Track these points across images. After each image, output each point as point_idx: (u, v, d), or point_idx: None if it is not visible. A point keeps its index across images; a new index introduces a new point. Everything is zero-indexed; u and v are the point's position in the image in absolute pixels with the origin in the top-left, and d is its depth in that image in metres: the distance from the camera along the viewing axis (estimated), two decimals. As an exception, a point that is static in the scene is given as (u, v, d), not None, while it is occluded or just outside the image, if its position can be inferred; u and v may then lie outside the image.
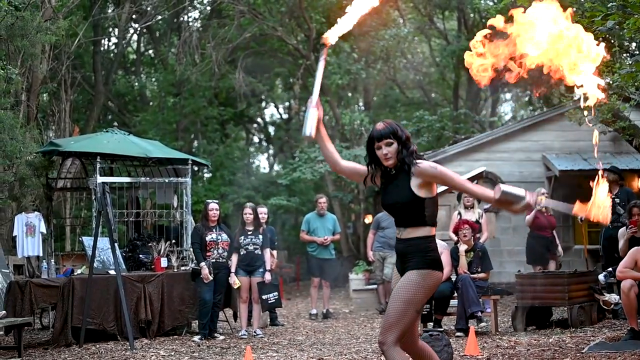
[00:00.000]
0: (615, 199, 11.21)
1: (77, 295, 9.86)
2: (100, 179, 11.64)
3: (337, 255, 14.25)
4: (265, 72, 26.99)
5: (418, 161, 4.82)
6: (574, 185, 15.02)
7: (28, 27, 12.73)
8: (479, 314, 10.07)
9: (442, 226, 11.64)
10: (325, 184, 21.68)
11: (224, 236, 10.64)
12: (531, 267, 12.73)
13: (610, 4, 8.45)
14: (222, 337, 10.50)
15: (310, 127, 4.89)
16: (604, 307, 9.96)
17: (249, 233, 10.71)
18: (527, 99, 29.06)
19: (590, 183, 4.78)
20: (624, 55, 13.58)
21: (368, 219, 21.28)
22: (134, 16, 24.49)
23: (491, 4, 23.03)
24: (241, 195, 23.26)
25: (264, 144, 36.13)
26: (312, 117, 4.88)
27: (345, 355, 8.54)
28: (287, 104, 32.70)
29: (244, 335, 10.64)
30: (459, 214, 12.25)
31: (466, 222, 10.93)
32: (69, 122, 19.63)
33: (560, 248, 12.52)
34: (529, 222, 12.35)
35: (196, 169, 13.41)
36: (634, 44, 13.48)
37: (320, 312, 13.41)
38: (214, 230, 10.58)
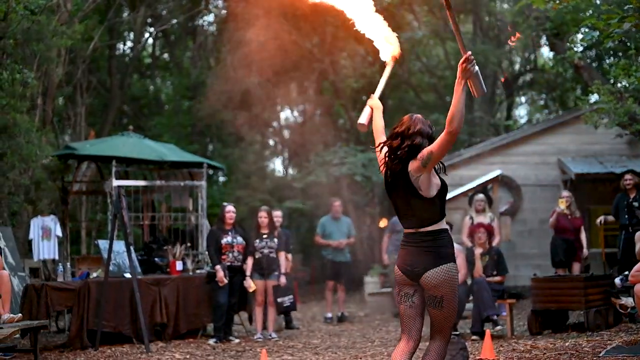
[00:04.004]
0: (634, 203, 11.13)
1: (93, 298, 9.88)
2: (116, 183, 11.70)
3: (352, 259, 14.23)
4: (280, 76, 26.92)
5: None
6: (590, 189, 14.94)
7: (44, 31, 12.80)
8: (495, 317, 10.02)
9: (455, 230, 11.61)
10: (340, 188, 21.61)
11: (240, 239, 10.63)
12: (548, 270, 12.66)
13: (627, 6, 8.41)
14: (237, 340, 10.50)
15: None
16: (621, 310, 9.89)
17: (264, 236, 10.70)
18: (542, 102, 28.92)
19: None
20: (641, 57, 13.49)
21: (383, 223, 21.23)
22: (149, 20, 24.57)
23: (506, 6, 22.98)
24: (256, 199, 23.24)
25: (279, 147, 36.11)
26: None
27: (361, 358, 8.53)
28: (301, 107, 32.68)
29: (260, 338, 10.64)
30: (471, 218, 12.24)
31: (481, 225, 10.91)
32: (84, 125, 19.75)
33: (585, 250, 12.26)
34: (552, 224, 12.26)
35: (211, 172, 13.44)
36: (650, 46, 13.39)
37: (335, 315, 13.40)
38: (230, 234, 10.57)
